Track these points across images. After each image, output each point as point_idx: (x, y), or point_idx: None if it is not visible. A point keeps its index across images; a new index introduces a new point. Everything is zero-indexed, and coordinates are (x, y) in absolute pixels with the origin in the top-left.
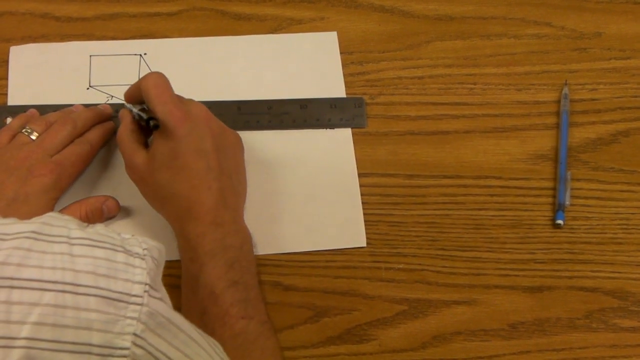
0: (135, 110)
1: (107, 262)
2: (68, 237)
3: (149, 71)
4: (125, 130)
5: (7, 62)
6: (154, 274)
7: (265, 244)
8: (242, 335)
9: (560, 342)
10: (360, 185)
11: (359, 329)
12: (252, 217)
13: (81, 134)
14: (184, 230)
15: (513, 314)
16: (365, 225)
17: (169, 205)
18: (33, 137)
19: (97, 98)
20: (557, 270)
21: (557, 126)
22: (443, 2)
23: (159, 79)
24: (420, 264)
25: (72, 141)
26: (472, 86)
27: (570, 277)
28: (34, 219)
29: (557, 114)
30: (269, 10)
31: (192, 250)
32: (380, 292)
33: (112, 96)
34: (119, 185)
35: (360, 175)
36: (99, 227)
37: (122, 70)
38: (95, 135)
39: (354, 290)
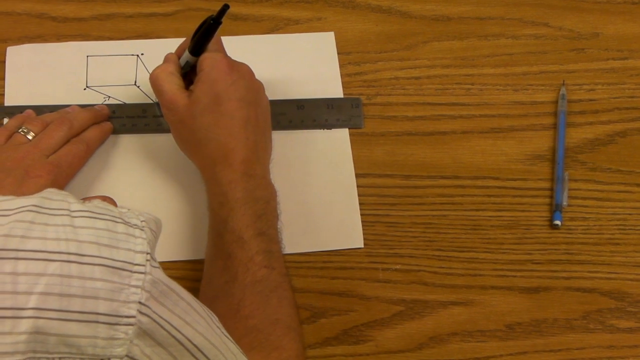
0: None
1: (109, 232)
2: (68, 210)
3: (146, 72)
4: (165, 72)
5: (3, 62)
6: (153, 244)
7: None
8: (263, 282)
9: (557, 343)
10: (358, 186)
11: (355, 330)
12: None
13: (78, 134)
14: (217, 175)
15: (510, 314)
16: (362, 225)
17: (205, 149)
18: (29, 137)
19: (94, 98)
20: (555, 271)
21: (555, 127)
22: (440, 3)
23: (217, 36)
24: (417, 265)
25: (68, 141)
26: (470, 87)
27: (568, 278)
28: (34, 195)
29: (555, 114)
30: (266, 11)
31: (223, 195)
32: (377, 293)
33: (109, 96)
34: (116, 185)
35: (357, 175)
36: (97, 201)
37: (119, 70)
38: (91, 135)
39: (350, 291)
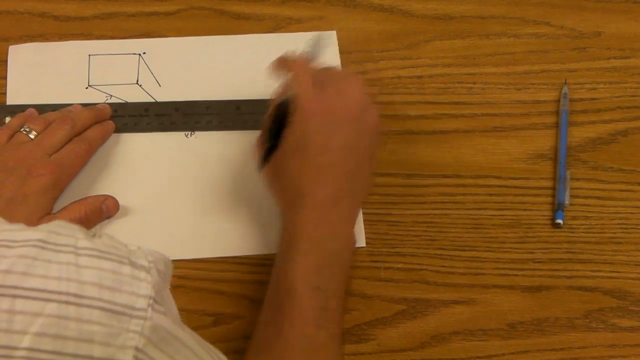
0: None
1: (113, 274)
2: (75, 246)
3: (148, 71)
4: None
5: (5, 61)
6: (160, 286)
7: (263, 245)
8: (306, 341)
9: (559, 341)
10: None
11: (357, 329)
12: (250, 217)
13: (80, 133)
14: (290, 217)
15: (512, 313)
16: (364, 225)
17: (284, 194)
18: (32, 137)
19: (96, 97)
20: (556, 270)
21: (557, 125)
22: (442, 2)
23: (306, 65)
24: (419, 264)
25: (70, 140)
26: (472, 85)
27: (570, 277)
28: (42, 226)
29: (557, 113)
30: (268, 10)
31: (288, 243)
32: (379, 292)
33: (111, 95)
34: (119, 184)
35: None
36: (106, 238)
37: (121, 69)
38: (94, 134)
39: (352, 289)
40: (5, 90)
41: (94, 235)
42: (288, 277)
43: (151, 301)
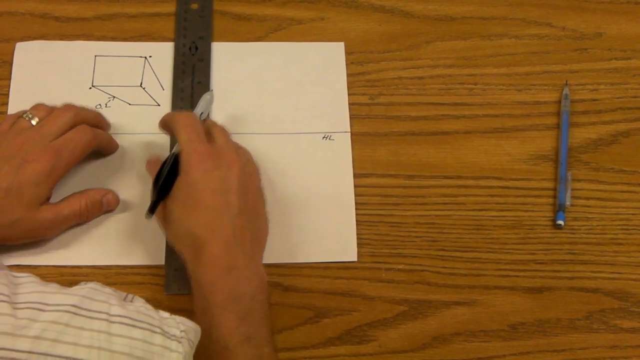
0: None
1: (144, 344)
2: (108, 313)
3: (153, 74)
4: (157, 166)
5: (6, 62)
6: (189, 357)
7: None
8: None
9: (560, 343)
10: (361, 186)
11: (359, 330)
12: None
13: (80, 123)
14: (196, 274)
15: (513, 314)
16: (365, 225)
17: (182, 243)
18: (33, 123)
19: (99, 98)
20: (558, 271)
21: (558, 127)
22: (443, 3)
23: (188, 119)
24: (420, 265)
25: (73, 128)
26: (473, 86)
27: (571, 278)
28: (76, 289)
29: (558, 114)
30: (269, 11)
31: (204, 300)
32: (380, 293)
33: (114, 97)
34: (119, 179)
35: (360, 175)
36: (139, 304)
37: (126, 71)
38: (100, 132)
39: (354, 291)
40: (8, 91)
41: (124, 299)
42: (218, 337)
43: None
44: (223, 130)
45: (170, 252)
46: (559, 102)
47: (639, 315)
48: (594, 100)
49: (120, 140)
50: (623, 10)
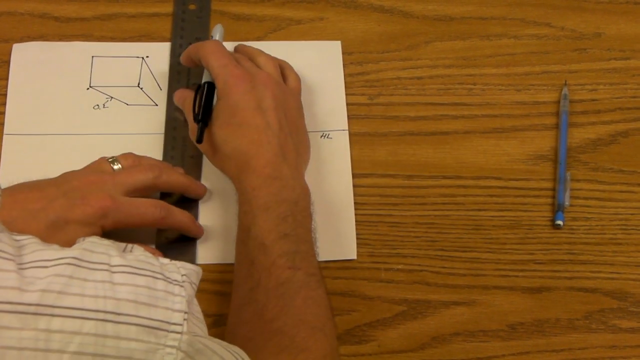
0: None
1: (148, 290)
2: (109, 264)
3: (150, 75)
4: (190, 96)
5: (5, 62)
6: (192, 298)
7: None
8: (286, 284)
9: (559, 343)
10: (360, 186)
11: (358, 330)
12: None
13: (163, 189)
14: (242, 183)
15: (512, 314)
16: (364, 225)
17: (229, 161)
18: (115, 168)
19: (96, 98)
20: (557, 271)
21: (557, 127)
22: (442, 3)
23: (216, 46)
24: (419, 265)
25: (149, 188)
26: (472, 87)
27: (570, 278)
28: (76, 245)
29: (557, 114)
30: (268, 11)
31: (247, 204)
32: (380, 293)
33: (112, 97)
34: None
35: (359, 176)
36: (139, 253)
37: (123, 72)
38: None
39: (353, 290)
40: (6, 91)
41: (125, 250)
42: (256, 234)
43: (186, 315)
44: (259, 50)
45: (161, 248)
46: (558, 102)
47: (638, 315)
48: (593, 100)
49: (117, 140)
50: (622, 11)
